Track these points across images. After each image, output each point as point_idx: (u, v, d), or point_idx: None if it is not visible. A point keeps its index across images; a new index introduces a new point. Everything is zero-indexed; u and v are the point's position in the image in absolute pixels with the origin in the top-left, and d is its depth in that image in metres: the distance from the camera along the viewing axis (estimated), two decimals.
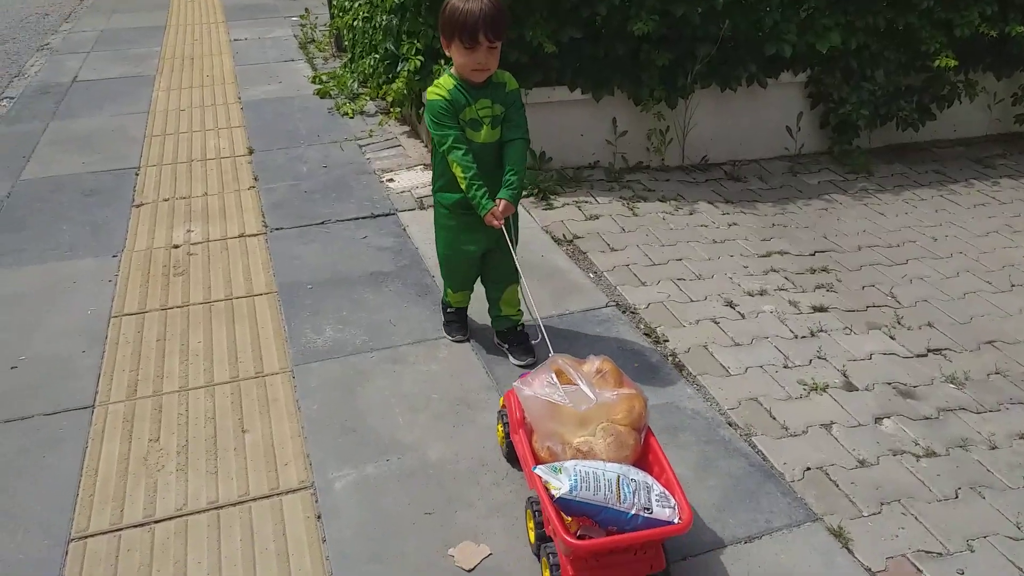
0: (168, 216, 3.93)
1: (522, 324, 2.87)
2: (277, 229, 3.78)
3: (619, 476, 1.87)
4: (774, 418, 2.55)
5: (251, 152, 4.72)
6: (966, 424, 2.57)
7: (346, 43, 6.05)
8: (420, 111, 4.34)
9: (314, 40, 7.29)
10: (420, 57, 4.09)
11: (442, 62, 4.03)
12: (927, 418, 2.60)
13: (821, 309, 3.22)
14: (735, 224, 4.01)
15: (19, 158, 4.66)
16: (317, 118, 5.33)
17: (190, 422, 2.51)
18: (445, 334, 2.94)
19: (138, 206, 4.05)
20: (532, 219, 3.94)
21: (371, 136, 4.88)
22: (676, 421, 2.51)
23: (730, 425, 2.51)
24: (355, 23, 5.27)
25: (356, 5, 5.32)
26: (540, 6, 3.99)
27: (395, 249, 3.60)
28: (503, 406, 2.31)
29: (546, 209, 4.07)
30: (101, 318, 3.08)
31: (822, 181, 4.65)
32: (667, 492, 1.90)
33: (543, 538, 1.95)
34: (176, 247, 3.63)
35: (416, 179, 4.33)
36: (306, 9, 7.42)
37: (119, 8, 9.30)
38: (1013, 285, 3.48)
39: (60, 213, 3.97)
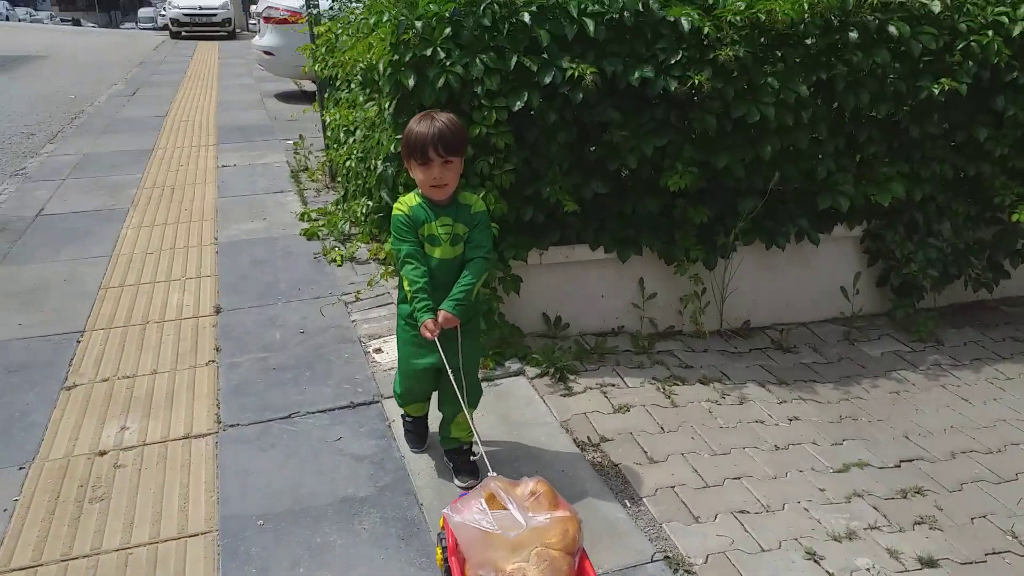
0: (103, 404, 3.21)
1: (473, 452, 2.81)
2: (232, 426, 3.05)
3: None
4: None
5: (218, 311, 4.05)
6: None
7: (339, 178, 5.50)
8: None
9: (307, 168, 6.78)
10: None
11: None
12: None
13: (931, 564, 2.44)
14: (796, 418, 3.27)
15: None
16: (301, 265, 4.68)
17: None
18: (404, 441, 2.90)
19: (69, 388, 3.33)
20: (550, 411, 3.21)
21: (359, 295, 4.21)
22: None
23: None
24: (348, 163, 4.71)
25: (350, 142, 4.78)
26: (560, 158, 3.39)
27: (375, 459, 2.86)
28: (443, 527, 2.23)
29: (565, 395, 3.35)
30: None
31: (885, 352, 3.95)
32: None
33: None
34: (102, 454, 2.88)
35: None
36: (300, 136, 6.95)
37: (110, 128, 8.92)
38: None
39: None
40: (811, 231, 3.88)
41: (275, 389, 3.32)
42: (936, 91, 3.60)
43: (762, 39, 3.46)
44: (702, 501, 2.68)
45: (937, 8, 3.57)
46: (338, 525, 2.52)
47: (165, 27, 24.79)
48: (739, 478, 2.82)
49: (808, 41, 3.51)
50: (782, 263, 4.03)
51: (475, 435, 2.49)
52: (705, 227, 3.70)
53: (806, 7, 3.42)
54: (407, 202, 2.51)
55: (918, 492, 2.83)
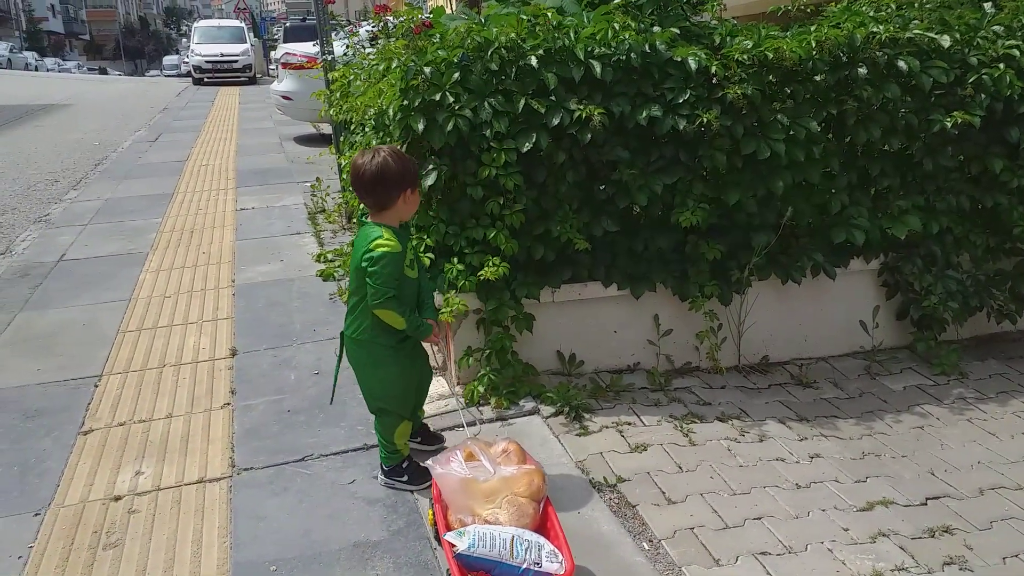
0: (119, 449, 3.21)
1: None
2: (246, 470, 3.04)
3: (514, 536, 2.24)
4: None
5: (234, 354, 4.07)
6: None
7: (355, 220, 5.54)
8: None
9: (324, 210, 6.86)
10: (430, 255, 3.48)
11: (454, 260, 3.41)
12: None
13: None
14: (818, 455, 3.21)
15: None
16: (316, 306, 4.71)
17: None
18: (407, 487, 2.89)
19: (86, 433, 3.35)
20: (565, 451, 3.18)
21: None
22: None
23: None
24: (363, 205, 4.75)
25: None
26: (569, 197, 3.40)
27: (388, 502, 2.83)
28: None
29: (580, 435, 3.31)
30: None
31: (908, 386, 3.87)
32: (557, 550, 2.25)
33: None
34: (117, 499, 2.88)
35: None
36: (317, 178, 7.04)
37: (132, 173, 9.08)
38: None
39: None
40: (827, 265, 3.84)
41: (288, 432, 3.31)
42: (948, 124, 3.59)
43: (770, 76, 3.47)
44: (722, 543, 2.62)
45: (947, 43, 3.57)
46: (351, 571, 2.49)
47: (188, 73, 25.38)
48: (760, 518, 2.76)
49: (817, 77, 3.52)
50: (799, 297, 3.99)
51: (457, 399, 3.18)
52: (719, 263, 3.68)
53: (814, 44, 3.43)
54: (391, 238, 2.61)
55: (946, 531, 2.75)
